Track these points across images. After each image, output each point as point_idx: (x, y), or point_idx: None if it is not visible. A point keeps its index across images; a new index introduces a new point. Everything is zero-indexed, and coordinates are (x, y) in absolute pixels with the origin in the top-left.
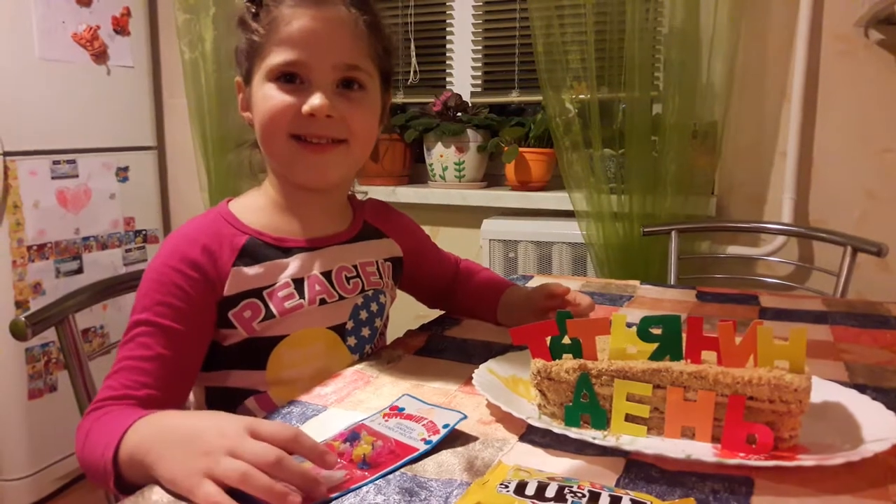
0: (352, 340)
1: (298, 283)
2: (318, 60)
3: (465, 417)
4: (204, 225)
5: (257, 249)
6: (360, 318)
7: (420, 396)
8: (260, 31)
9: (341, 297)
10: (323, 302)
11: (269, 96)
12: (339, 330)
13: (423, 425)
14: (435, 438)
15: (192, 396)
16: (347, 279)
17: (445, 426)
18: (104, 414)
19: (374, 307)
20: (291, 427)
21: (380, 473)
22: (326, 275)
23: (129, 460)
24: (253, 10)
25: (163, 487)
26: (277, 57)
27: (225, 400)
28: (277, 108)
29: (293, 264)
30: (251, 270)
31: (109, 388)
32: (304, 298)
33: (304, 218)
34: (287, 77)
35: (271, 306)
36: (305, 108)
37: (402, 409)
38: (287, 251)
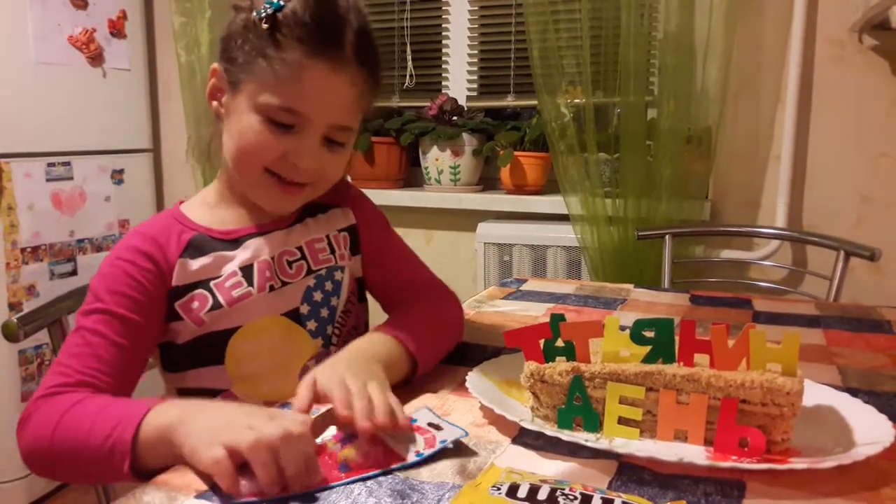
0: (311, 324)
1: (246, 270)
2: (319, 118)
3: (466, 434)
4: (154, 221)
5: (204, 243)
6: (315, 300)
7: (413, 399)
8: (268, 57)
9: (284, 283)
10: (272, 289)
11: (256, 130)
12: (295, 315)
13: (425, 438)
14: (427, 452)
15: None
16: (289, 263)
17: (443, 442)
18: (81, 399)
19: (328, 286)
20: (303, 425)
21: (354, 478)
22: (272, 260)
23: (157, 439)
24: (264, 28)
25: (189, 466)
26: (280, 99)
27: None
28: (262, 146)
29: (239, 254)
30: (196, 262)
31: (62, 373)
32: (252, 286)
33: (250, 208)
34: (280, 119)
35: (218, 296)
36: (293, 159)
37: (415, 420)
38: (234, 242)
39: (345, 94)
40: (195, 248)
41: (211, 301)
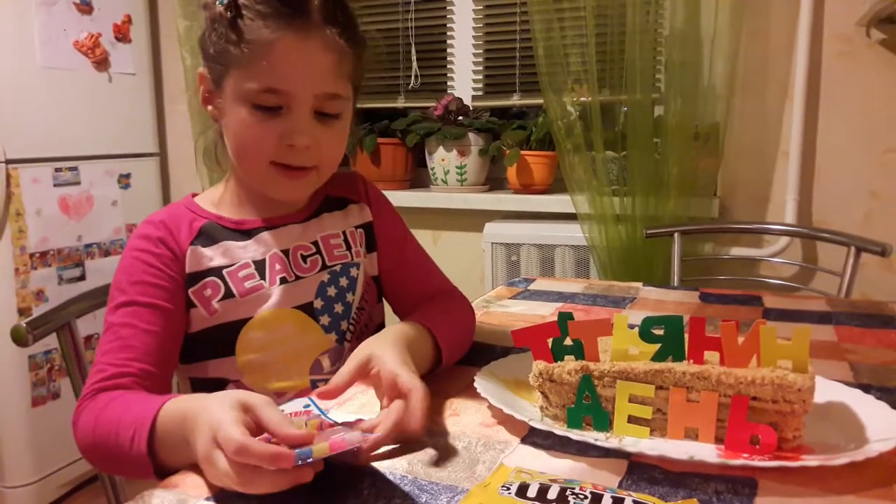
0: (325, 319)
1: (259, 264)
2: (301, 90)
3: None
4: (165, 210)
5: (215, 232)
6: (329, 296)
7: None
8: (238, 43)
9: (298, 277)
10: (284, 281)
11: (247, 123)
12: (308, 309)
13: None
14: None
15: (178, 388)
16: (304, 258)
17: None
18: (113, 398)
19: (343, 282)
20: (236, 442)
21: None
22: (285, 254)
23: (172, 442)
24: (228, 16)
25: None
26: (258, 81)
27: (207, 390)
28: (257, 137)
29: (252, 246)
30: (209, 250)
31: (99, 371)
32: (264, 279)
33: (263, 202)
34: (265, 103)
35: (231, 285)
36: (288, 141)
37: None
38: (246, 233)
39: (321, 60)
40: (206, 236)
41: (223, 289)
